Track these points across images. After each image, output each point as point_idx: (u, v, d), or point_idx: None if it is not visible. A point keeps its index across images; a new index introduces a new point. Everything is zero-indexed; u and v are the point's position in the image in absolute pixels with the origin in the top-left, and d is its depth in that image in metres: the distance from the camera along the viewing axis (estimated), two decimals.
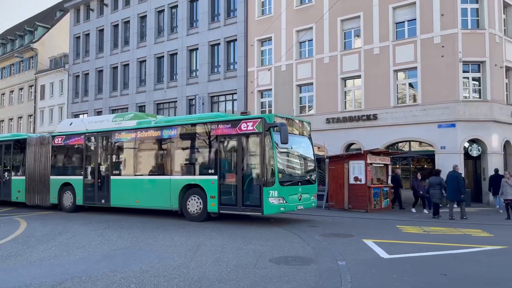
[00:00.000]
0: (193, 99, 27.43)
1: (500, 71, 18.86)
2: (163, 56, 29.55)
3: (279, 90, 23.61)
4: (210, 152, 11.94)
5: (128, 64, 31.69)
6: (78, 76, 35.52)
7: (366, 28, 20.66)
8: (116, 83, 32.60)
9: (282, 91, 23.43)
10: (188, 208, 12.09)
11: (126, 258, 7.19)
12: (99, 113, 32.30)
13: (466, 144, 18.18)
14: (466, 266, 6.88)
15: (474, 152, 18.12)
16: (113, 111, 31.53)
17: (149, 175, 13.28)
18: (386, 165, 17.34)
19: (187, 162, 12.52)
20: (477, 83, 18.61)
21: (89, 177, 14.63)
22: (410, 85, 19.79)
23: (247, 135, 11.16)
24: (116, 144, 14.19)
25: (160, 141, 13.13)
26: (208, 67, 27.12)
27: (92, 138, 14.80)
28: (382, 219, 13.42)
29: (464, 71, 18.30)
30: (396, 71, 19.80)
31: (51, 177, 15.68)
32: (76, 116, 34.32)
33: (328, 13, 21.60)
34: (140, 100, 30.55)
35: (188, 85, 27.97)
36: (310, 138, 12.60)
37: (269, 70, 23.85)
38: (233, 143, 11.47)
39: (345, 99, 21.62)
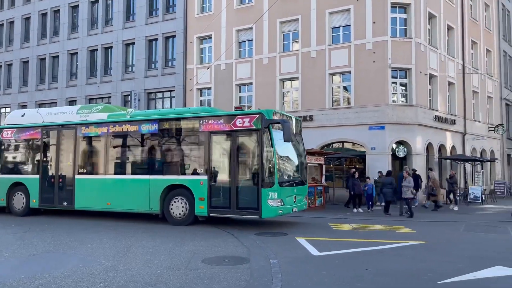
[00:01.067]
0: (129, 95, 26.41)
1: (425, 78, 20.26)
2: (96, 49, 28.11)
3: (219, 89, 23.46)
4: (198, 150, 11.06)
5: (57, 56, 29.74)
6: (0, 66, 32.73)
7: (304, 31, 21.17)
8: (43, 75, 30.46)
9: (222, 90, 23.31)
10: (172, 211, 11.07)
11: (46, 263, 6.70)
12: (23, 107, 29.96)
13: (394, 146, 19.32)
14: (390, 260, 7.26)
15: (401, 153, 19.29)
16: (40, 105, 29.46)
17: (124, 174, 12.00)
18: (321, 165, 17.88)
19: (171, 161, 11.49)
20: (404, 88, 19.84)
21: (48, 176, 12.97)
22: (345, 88, 20.62)
23: (243, 132, 10.41)
24: (83, 139, 12.66)
25: (137, 136, 11.92)
26: (145, 63, 26.26)
27: (52, 132, 13.14)
28: (316, 217, 13.82)
29: (393, 77, 19.43)
30: (331, 74, 20.53)
31: None
32: None
33: (267, 14, 21.84)
34: (70, 94, 28.81)
35: (123, 80, 26.87)
36: (301, 137, 12.15)
37: (208, 68, 23.62)
38: (226, 140, 10.65)
39: (283, 100, 22.01)
